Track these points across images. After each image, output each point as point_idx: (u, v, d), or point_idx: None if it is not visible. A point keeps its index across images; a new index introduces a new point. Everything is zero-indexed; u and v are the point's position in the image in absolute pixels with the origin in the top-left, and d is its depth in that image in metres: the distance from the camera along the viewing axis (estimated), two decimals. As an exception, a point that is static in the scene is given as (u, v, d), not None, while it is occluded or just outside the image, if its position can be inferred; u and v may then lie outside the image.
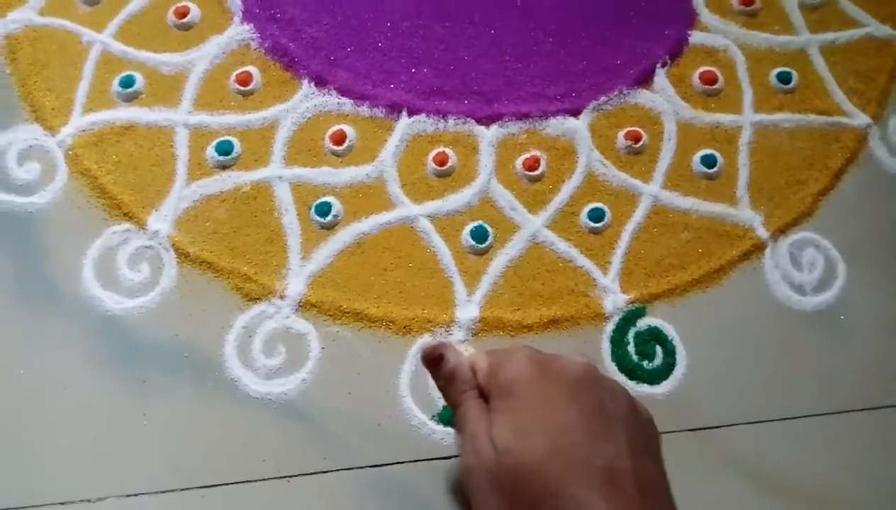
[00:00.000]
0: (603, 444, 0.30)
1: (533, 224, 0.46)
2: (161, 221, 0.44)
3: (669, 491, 0.32)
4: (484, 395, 0.34)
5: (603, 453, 0.30)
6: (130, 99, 0.47)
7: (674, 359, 0.44)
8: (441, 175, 0.47)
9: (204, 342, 0.42)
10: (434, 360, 0.35)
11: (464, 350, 0.36)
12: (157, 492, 0.39)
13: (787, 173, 0.49)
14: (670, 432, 0.42)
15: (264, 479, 0.39)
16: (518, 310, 0.44)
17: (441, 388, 0.36)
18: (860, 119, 0.51)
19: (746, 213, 0.48)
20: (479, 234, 0.45)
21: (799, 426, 0.43)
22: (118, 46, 0.48)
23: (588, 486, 0.29)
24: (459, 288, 0.44)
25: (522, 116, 0.48)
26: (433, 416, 0.41)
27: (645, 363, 0.43)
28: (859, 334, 0.45)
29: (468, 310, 0.44)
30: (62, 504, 0.38)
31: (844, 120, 0.51)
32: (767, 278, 0.46)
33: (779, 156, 0.49)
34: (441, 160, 0.47)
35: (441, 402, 0.40)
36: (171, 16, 0.49)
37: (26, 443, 0.39)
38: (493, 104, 0.48)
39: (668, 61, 0.51)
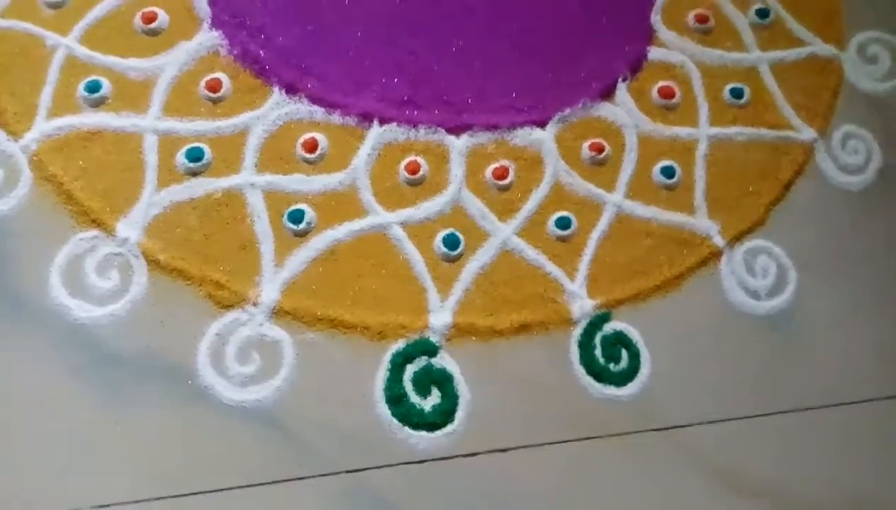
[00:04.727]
0: None
1: (503, 231, 0.47)
2: (130, 228, 0.44)
3: None
4: None
5: None
6: (97, 104, 0.46)
7: (639, 362, 0.45)
8: (413, 183, 0.47)
9: (176, 350, 0.42)
10: None
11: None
12: (131, 502, 0.38)
13: (741, 184, 0.51)
14: (636, 432, 0.43)
15: (239, 487, 0.39)
16: (490, 315, 0.45)
17: None
18: (807, 133, 0.54)
19: (704, 222, 0.50)
20: (451, 242, 0.46)
21: (758, 424, 0.45)
22: (83, 51, 0.47)
23: None
24: (432, 294, 0.45)
25: (491, 127, 0.50)
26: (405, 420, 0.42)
27: (611, 366, 0.45)
28: (811, 336, 0.48)
29: (441, 316, 0.44)
30: (32, 516, 0.37)
31: (793, 134, 0.53)
32: (724, 284, 0.48)
33: (733, 167, 0.52)
34: (413, 169, 0.47)
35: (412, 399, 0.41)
36: (138, 20, 0.49)
37: (-7, 456, 0.38)
38: (463, 114, 0.50)
39: (629, 76, 0.53)
